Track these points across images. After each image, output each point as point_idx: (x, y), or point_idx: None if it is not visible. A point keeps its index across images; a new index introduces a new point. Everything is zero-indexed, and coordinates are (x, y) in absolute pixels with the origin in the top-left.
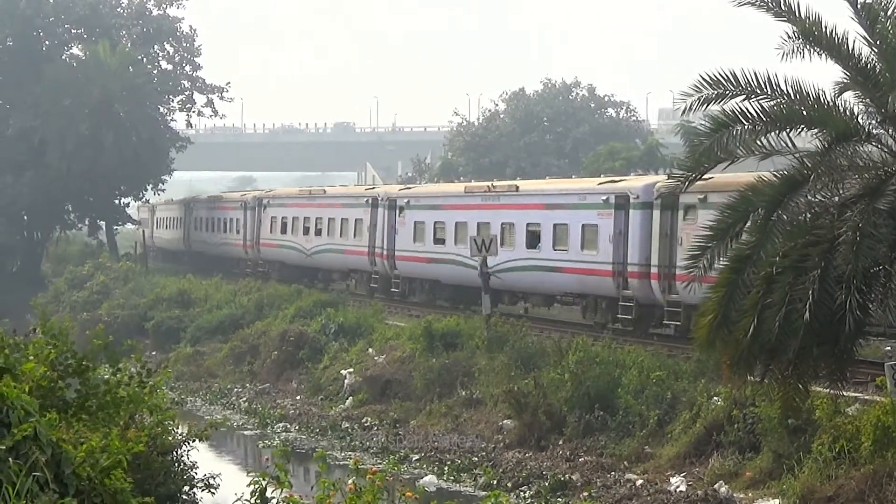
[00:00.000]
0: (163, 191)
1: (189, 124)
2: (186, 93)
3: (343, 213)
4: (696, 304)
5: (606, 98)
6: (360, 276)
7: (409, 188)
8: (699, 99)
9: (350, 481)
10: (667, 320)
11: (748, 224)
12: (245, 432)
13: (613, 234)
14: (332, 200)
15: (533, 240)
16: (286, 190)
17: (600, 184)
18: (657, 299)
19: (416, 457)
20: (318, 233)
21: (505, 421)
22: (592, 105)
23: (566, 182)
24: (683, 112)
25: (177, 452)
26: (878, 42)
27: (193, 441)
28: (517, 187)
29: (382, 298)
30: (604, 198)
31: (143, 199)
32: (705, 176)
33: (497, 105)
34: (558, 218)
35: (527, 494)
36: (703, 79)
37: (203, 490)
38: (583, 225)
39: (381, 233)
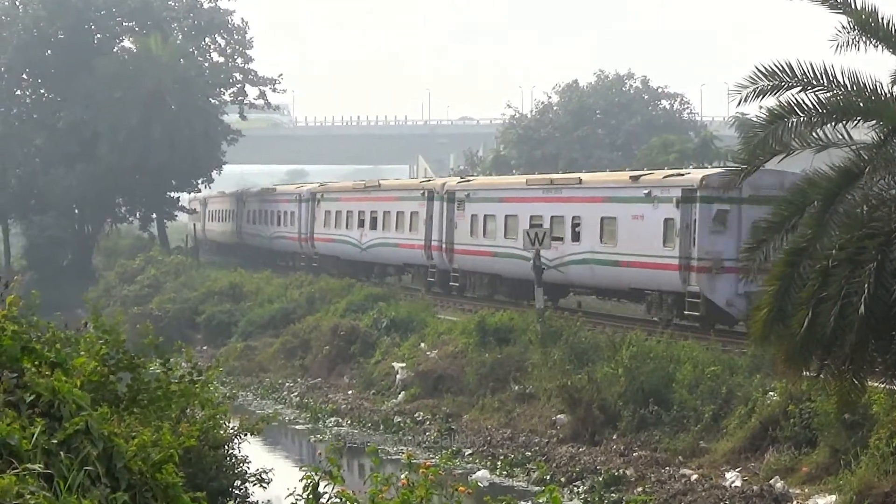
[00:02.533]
0: (211, 184)
1: (242, 116)
2: (238, 85)
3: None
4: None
5: (660, 90)
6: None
7: (469, 180)
8: (754, 91)
9: (403, 476)
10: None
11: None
12: (297, 427)
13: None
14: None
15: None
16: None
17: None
18: (446, 266)
19: (469, 452)
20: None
21: (558, 416)
22: (646, 97)
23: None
24: (739, 104)
25: (228, 447)
26: None
27: (245, 436)
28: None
29: (438, 293)
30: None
31: (195, 192)
32: (471, 179)
33: (550, 97)
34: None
35: (580, 489)
36: (758, 70)
37: (255, 485)
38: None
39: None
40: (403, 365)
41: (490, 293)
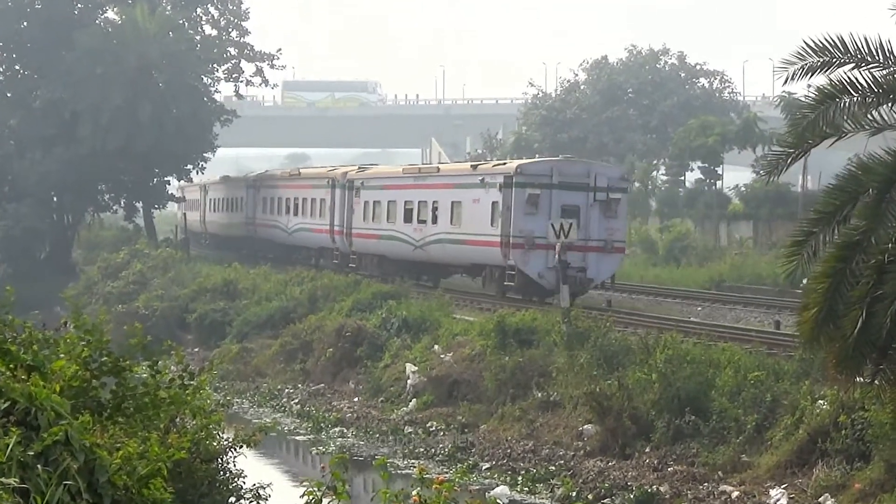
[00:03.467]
0: (202, 170)
1: (238, 94)
2: (233, 61)
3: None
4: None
5: (698, 67)
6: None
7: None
8: (802, 68)
9: (414, 492)
10: (347, 263)
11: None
12: (297, 437)
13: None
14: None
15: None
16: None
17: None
18: (346, 249)
19: (487, 465)
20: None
21: (585, 426)
22: (682, 75)
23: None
24: (785, 82)
25: (222, 460)
26: None
27: (241, 447)
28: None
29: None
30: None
31: (186, 178)
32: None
33: (577, 75)
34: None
35: None
36: (807, 45)
37: (251, 501)
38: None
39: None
40: (415, 369)
41: (380, 273)
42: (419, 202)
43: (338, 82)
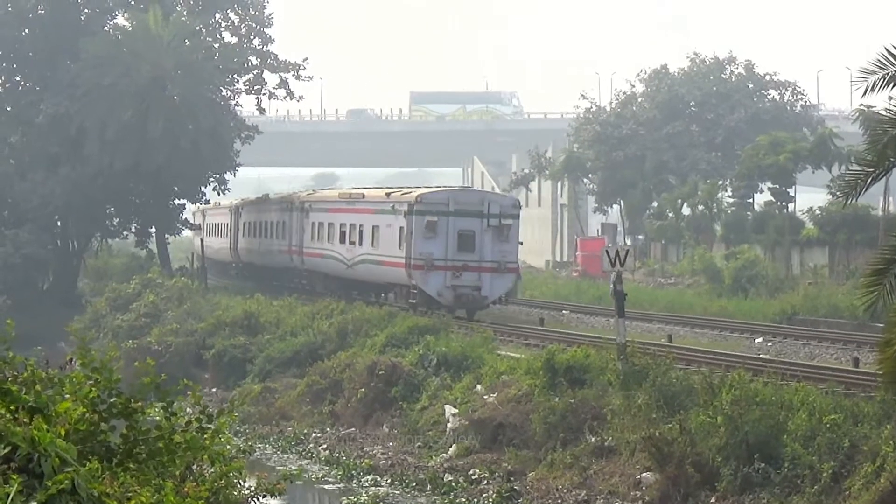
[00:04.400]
0: (227, 190)
1: (260, 108)
2: (255, 71)
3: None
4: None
5: (767, 77)
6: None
7: (313, 193)
8: (883, 77)
9: None
10: (302, 280)
11: None
12: (326, 486)
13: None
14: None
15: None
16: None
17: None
18: (301, 267)
19: None
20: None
21: (644, 474)
22: (750, 86)
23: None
24: (864, 94)
25: None
26: None
27: (264, 496)
28: (363, 195)
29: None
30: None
31: (203, 201)
32: (315, 192)
33: (633, 86)
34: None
35: None
36: (888, 53)
37: None
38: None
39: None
40: (455, 411)
41: (324, 290)
42: (350, 225)
43: (468, 94)
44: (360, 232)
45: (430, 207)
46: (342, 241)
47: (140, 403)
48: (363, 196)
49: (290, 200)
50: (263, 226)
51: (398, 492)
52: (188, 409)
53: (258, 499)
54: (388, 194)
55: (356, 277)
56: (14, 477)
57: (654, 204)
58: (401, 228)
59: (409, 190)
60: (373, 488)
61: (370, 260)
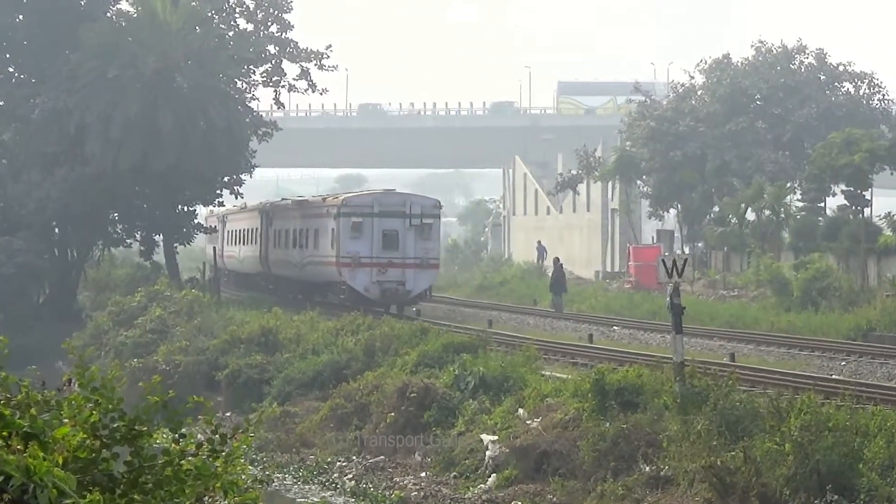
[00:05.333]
0: (240, 194)
1: (278, 102)
2: (273, 61)
3: (250, 223)
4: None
5: (841, 68)
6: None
7: (279, 201)
8: None
9: None
10: (270, 284)
11: None
12: None
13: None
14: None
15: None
16: (286, 201)
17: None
18: (267, 271)
19: None
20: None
21: None
22: (822, 78)
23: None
24: None
25: None
26: None
27: None
28: (308, 201)
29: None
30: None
31: (216, 205)
32: (282, 200)
33: (692, 78)
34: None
35: None
36: None
37: None
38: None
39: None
40: (495, 438)
41: (287, 293)
42: (300, 230)
43: (618, 84)
44: (307, 236)
45: (355, 210)
46: (295, 245)
47: (146, 427)
48: (309, 202)
49: (258, 209)
50: (243, 233)
51: None
52: (199, 436)
53: None
54: (324, 199)
55: (306, 279)
56: None
57: (716, 208)
58: (332, 230)
59: (336, 196)
60: None
61: (314, 261)
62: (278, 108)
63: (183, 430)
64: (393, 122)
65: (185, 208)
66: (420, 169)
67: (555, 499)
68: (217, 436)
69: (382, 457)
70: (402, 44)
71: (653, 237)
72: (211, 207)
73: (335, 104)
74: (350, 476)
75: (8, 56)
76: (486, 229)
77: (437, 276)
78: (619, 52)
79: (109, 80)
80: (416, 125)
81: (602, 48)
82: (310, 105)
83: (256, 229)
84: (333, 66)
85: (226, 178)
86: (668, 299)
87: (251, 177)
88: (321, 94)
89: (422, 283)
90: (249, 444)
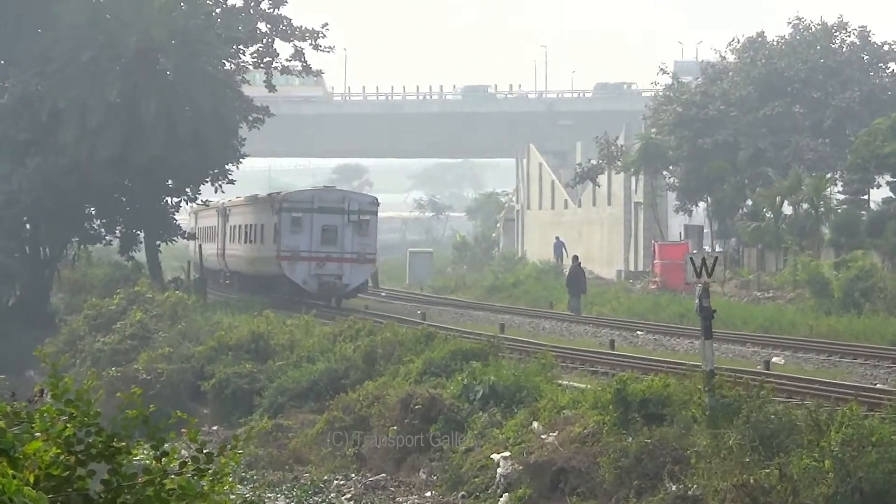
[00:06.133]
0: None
1: (269, 85)
2: (264, 40)
3: (210, 221)
4: (230, 269)
5: (886, 48)
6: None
7: (235, 199)
8: None
9: None
10: (226, 280)
11: None
12: None
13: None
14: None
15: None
16: (241, 198)
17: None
18: (225, 267)
19: None
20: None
21: None
22: (865, 58)
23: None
24: None
25: None
26: None
27: None
28: (257, 197)
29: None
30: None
31: (200, 200)
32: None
33: (724, 58)
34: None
35: None
36: None
37: None
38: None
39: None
40: (507, 454)
41: (242, 289)
42: (250, 226)
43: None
44: (255, 232)
45: (295, 205)
46: (245, 241)
47: (125, 443)
48: (257, 198)
49: (217, 207)
50: (208, 231)
51: None
52: (183, 452)
53: None
54: (268, 196)
55: (255, 274)
56: None
57: (749, 202)
58: (275, 225)
59: (278, 192)
60: None
61: (261, 256)
62: (269, 91)
63: (165, 446)
64: (395, 107)
65: (170, 201)
66: (425, 158)
67: None
68: (203, 452)
69: (384, 474)
70: (405, 22)
71: (680, 233)
72: (191, 204)
73: (332, 87)
74: (348, 496)
75: None
76: (498, 225)
77: (374, 270)
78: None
79: (85, 63)
80: (421, 110)
81: (625, 25)
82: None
83: (215, 227)
84: (330, 47)
85: (214, 170)
86: (696, 301)
87: (238, 168)
88: (316, 77)
89: (359, 276)
90: (238, 461)
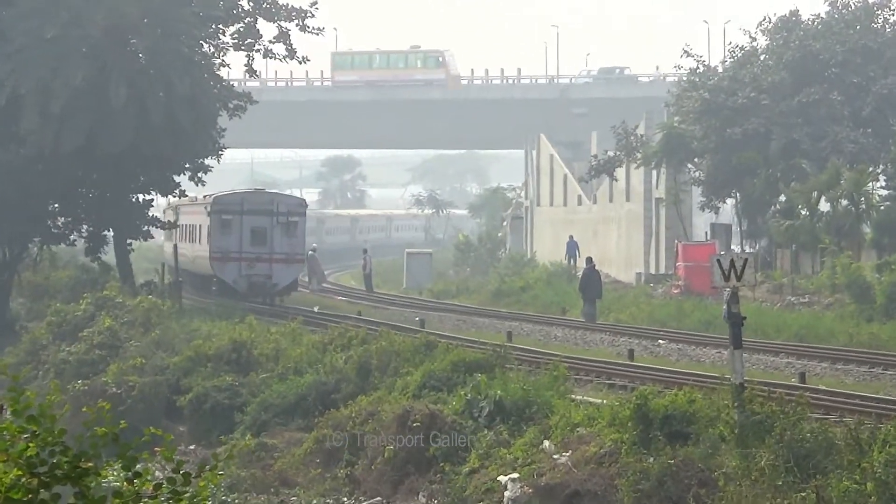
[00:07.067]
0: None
1: (251, 69)
2: (246, 19)
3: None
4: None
5: None
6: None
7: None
8: None
9: None
10: (179, 278)
11: None
12: None
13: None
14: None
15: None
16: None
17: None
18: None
19: None
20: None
21: None
22: None
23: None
24: None
25: None
26: None
27: None
28: (196, 198)
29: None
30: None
31: (175, 194)
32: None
33: (754, 40)
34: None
35: None
36: None
37: None
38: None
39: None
40: (515, 476)
41: (193, 289)
42: (192, 226)
43: None
44: (196, 232)
45: (225, 207)
46: (188, 240)
47: (92, 463)
48: (197, 200)
49: (172, 206)
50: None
51: None
52: (157, 474)
53: None
54: (205, 197)
55: (196, 272)
56: None
57: (782, 198)
58: (208, 226)
59: (211, 195)
60: None
61: (198, 256)
62: (251, 76)
63: (138, 467)
64: (391, 92)
65: (142, 198)
66: (424, 150)
67: None
68: (179, 473)
69: (379, 498)
70: None
71: (706, 232)
72: (169, 198)
73: (322, 72)
74: None
75: None
76: (505, 223)
77: (301, 270)
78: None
79: (48, 43)
80: (420, 97)
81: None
82: (291, 73)
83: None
84: (319, 28)
85: (188, 164)
86: (724, 307)
87: (218, 161)
88: (301, 62)
89: (287, 276)
90: (218, 483)
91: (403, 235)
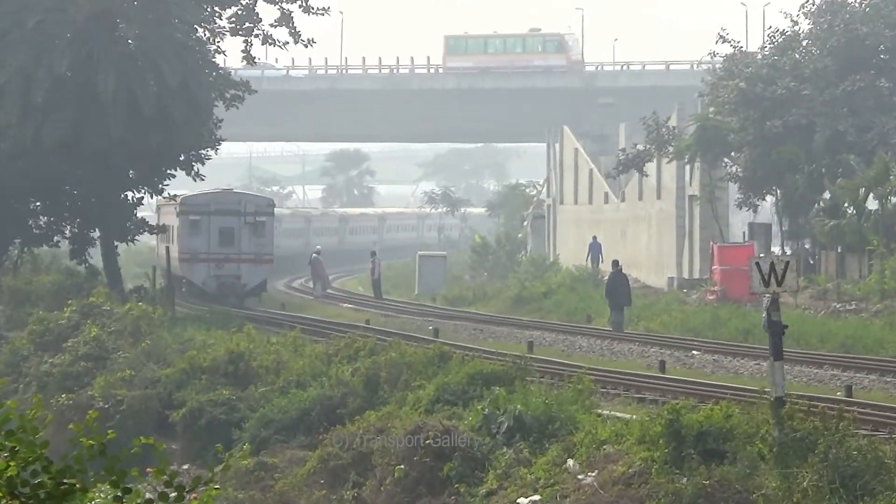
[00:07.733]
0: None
1: (248, 56)
2: (244, 1)
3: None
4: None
5: None
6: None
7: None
8: None
9: None
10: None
11: None
12: None
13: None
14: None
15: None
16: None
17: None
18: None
19: None
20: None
21: None
22: None
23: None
24: None
25: None
26: None
27: None
28: (175, 197)
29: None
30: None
31: (167, 194)
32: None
33: (796, 24)
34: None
35: None
36: None
37: None
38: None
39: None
40: (537, 498)
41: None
42: (169, 227)
43: None
44: (170, 233)
45: (193, 208)
46: (165, 241)
47: (78, 482)
48: (169, 200)
49: (157, 205)
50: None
51: None
52: (148, 494)
53: None
54: (174, 197)
55: (175, 273)
56: None
57: (826, 195)
58: (177, 228)
59: (178, 195)
60: None
61: (172, 256)
62: (249, 63)
63: (128, 485)
64: (401, 82)
65: (131, 196)
66: (438, 143)
67: None
68: (172, 491)
69: None
70: None
71: (744, 233)
72: (157, 197)
73: (326, 58)
74: None
75: None
76: (525, 223)
77: (272, 270)
78: None
79: (31, 31)
80: (434, 86)
81: None
82: (293, 60)
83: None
84: (324, 9)
85: (182, 157)
86: (764, 315)
87: (216, 153)
88: (307, 46)
89: (256, 276)
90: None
91: (396, 236)
